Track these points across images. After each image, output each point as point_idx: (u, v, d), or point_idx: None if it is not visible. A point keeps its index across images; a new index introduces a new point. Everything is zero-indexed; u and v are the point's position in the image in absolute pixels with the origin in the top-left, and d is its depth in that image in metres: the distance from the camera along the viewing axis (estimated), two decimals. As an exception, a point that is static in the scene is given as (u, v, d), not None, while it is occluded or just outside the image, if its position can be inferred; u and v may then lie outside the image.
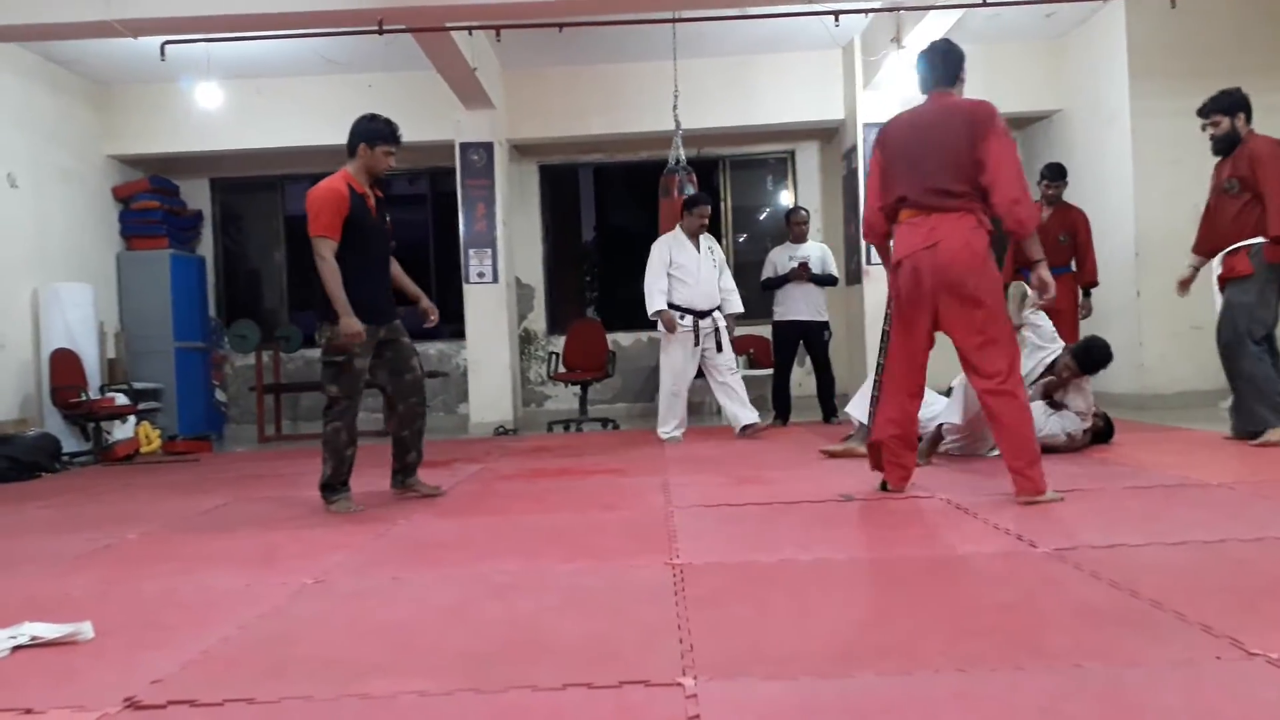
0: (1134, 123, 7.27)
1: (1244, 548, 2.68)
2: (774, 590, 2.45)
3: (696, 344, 6.24)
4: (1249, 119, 4.77)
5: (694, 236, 6.34)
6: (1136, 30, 7.23)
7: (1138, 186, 7.22)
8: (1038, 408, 4.40)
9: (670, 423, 6.30)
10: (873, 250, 7.92)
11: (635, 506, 3.81)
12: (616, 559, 2.88)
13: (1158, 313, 7.14)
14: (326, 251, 3.79)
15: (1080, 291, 6.49)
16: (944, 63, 3.54)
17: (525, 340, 9.28)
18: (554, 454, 5.87)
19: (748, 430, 6.25)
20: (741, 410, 6.30)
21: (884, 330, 3.67)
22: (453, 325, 9.03)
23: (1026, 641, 1.97)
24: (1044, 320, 4.80)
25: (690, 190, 6.86)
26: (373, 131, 3.98)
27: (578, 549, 3.03)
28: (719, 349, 6.31)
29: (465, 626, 2.23)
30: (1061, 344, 4.82)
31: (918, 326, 3.49)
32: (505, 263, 8.12)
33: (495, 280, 8.04)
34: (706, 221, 6.39)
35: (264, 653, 2.10)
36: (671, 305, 6.18)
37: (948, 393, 4.78)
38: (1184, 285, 5.07)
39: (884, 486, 3.70)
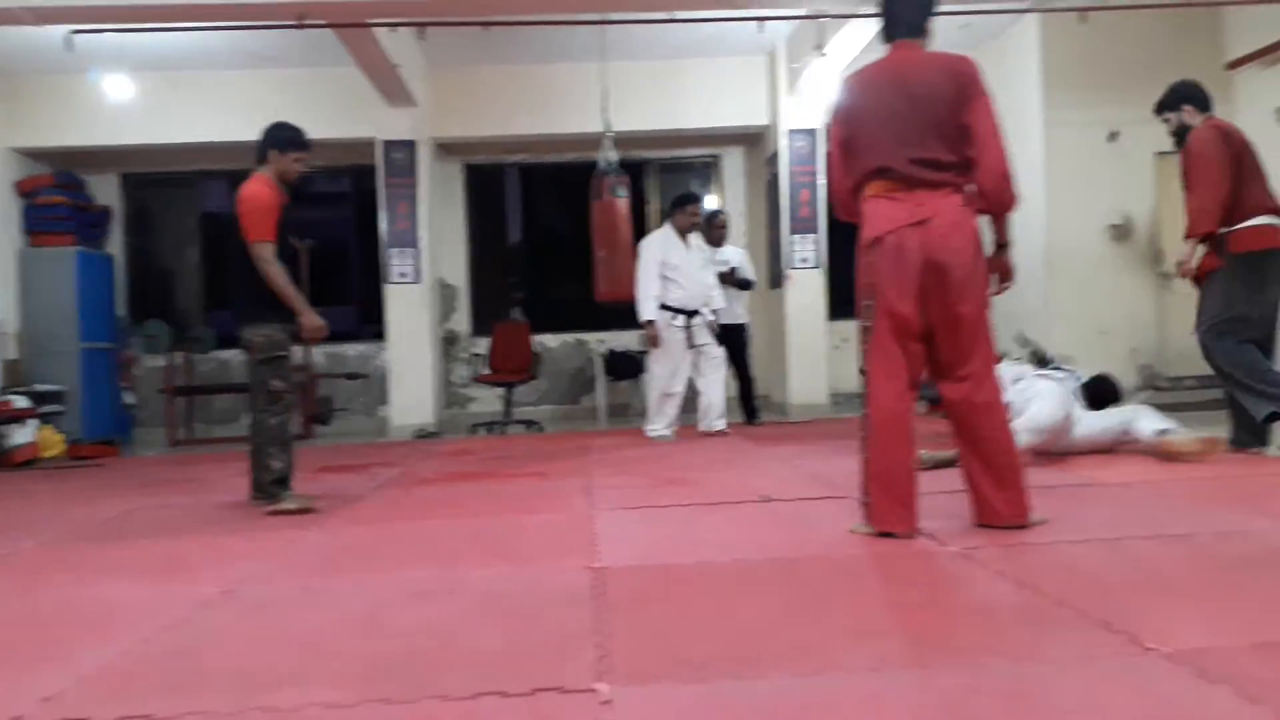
0: (1046, 134, 7.51)
1: (1141, 545, 2.79)
2: (693, 593, 2.46)
3: (690, 345, 6.32)
4: (1202, 107, 4.51)
5: (684, 235, 6.39)
6: (1050, 44, 7.46)
7: (1049, 196, 7.45)
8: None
9: (659, 422, 6.34)
10: (794, 254, 8.06)
11: (557, 510, 3.79)
12: (535, 563, 2.86)
13: (1066, 317, 7.40)
14: (270, 254, 3.91)
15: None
16: (911, 6, 3.06)
17: (448, 342, 9.16)
18: (476, 457, 5.81)
19: (714, 432, 6.38)
20: (717, 411, 6.44)
21: (865, 329, 3.02)
22: (374, 326, 8.88)
23: (934, 640, 2.01)
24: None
25: (623, 193, 6.87)
26: (283, 139, 4.07)
27: (496, 554, 3.00)
28: (703, 345, 6.40)
29: (376, 635, 2.19)
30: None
31: (905, 313, 2.93)
32: (428, 263, 8.01)
33: (418, 280, 7.92)
34: (699, 219, 6.46)
35: (165, 666, 2.03)
36: (665, 306, 6.24)
37: None
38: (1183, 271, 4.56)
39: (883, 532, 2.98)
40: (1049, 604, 2.20)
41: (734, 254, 7.23)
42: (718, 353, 6.47)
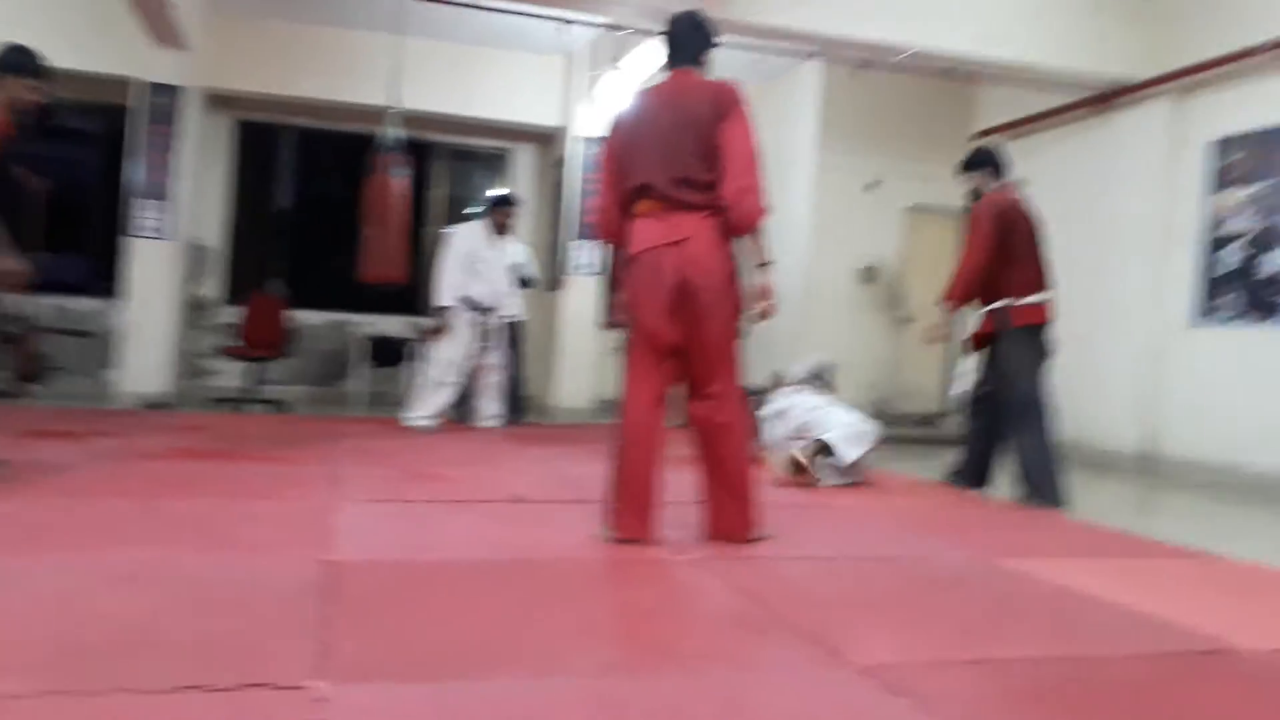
0: (817, 174, 8.04)
1: (852, 565, 3.04)
2: (429, 591, 2.42)
3: (486, 340, 6.30)
4: (999, 174, 4.63)
5: (499, 234, 6.39)
6: (828, 91, 8.00)
7: (815, 233, 7.99)
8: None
9: (424, 410, 6.18)
10: (575, 259, 8.14)
11: (296, 498, 3.60)
12: (262, 553, 2.70)
13: (816, 348, 7.93)
14: None
15: None
16: (692, 37, 3.18)
17: (195, 307, 8.48)
18: (213, 434, 5.41)
19: (486, 428, 6.38)
20: (490, 408, 6.44)
21: (623, 341, 3.11)
22: (110, 282, 8.09)
23: (661, 646, 2.10)
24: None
25: (401, 172, 6.68)
26: (13, 62, 3.63)
27: (220, 540, 2.81)
28: (490, 346, 6.37)
29: (72, 621, 1.99)
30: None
31: (659, 330, 3.00)
32: (182, 219, 7.39)
33: (167, 237, 7.28)
34: (510, 220, 6.46)
35: None
36: (464, 299, 6.17)
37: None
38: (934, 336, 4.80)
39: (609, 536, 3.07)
40: (767, 616, 2.35)
41: (519, 250, 7.20)
42: (500, 357, 6.49)
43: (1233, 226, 6.12)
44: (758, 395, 5.73)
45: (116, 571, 2.38)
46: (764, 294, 3.13)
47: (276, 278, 9.19)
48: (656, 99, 3.14)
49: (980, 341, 4.68)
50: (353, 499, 3.57)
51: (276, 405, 7.34)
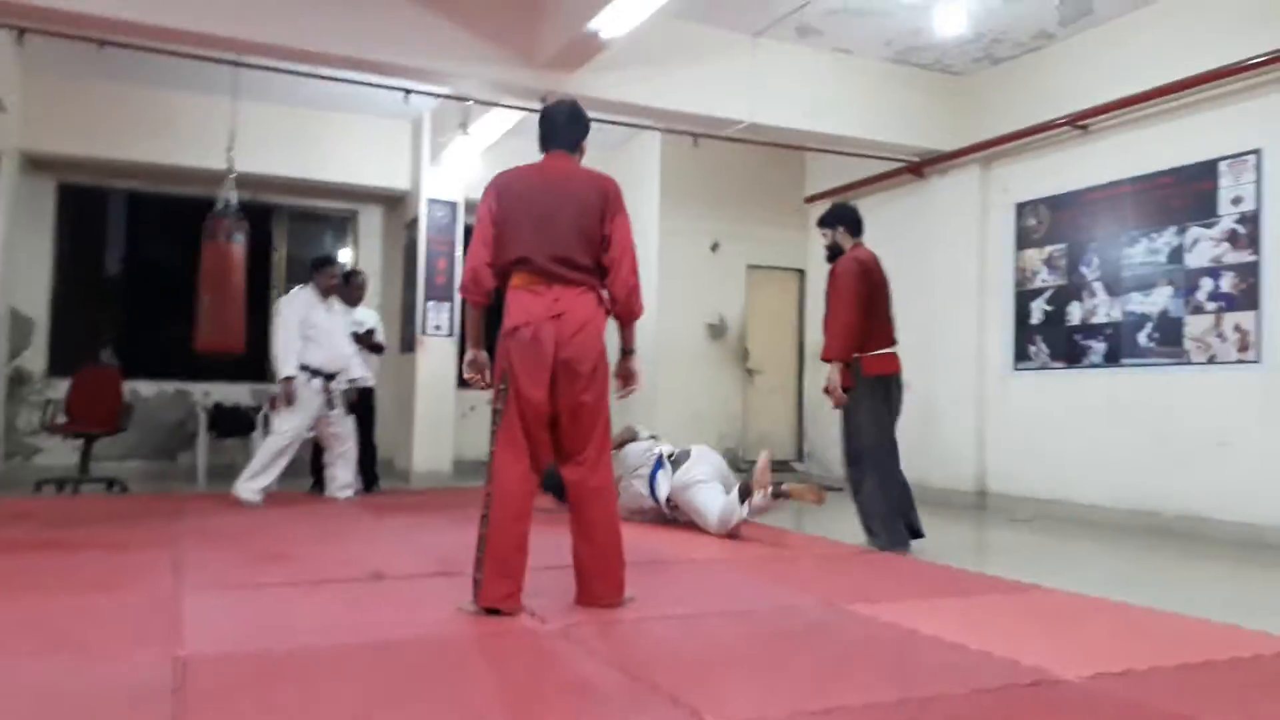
0: (660, 238, 8.34)
1: (711, 621, 3.15)
2: (283, 683, 2.36)
3: (331, 405, 6.16)
4: (854, 233, 4.84)
5: (326, 297, 6.25)
6: (668, 160, 8.35)
7: (659, 293, 8.24)
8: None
9: (262, 480, 5.92)
10: (428, 318, 8.09)
11: (137, 589, 3.43)
12: (107, 654, 2.57)
13: (668, 401, 8.18)
14: None
15: None
16: (570, 125, 3.36)
17: (16, 381, 7.93)
18: (40, 521, 5.06)
19: (340, 499, 6.25)
20: (344, 479, 6.33)
21: (495, 410, 3.17)
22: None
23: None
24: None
25: (239, 237, 6.52)
26: None
27: (58, 641, 2.66)
28: (331, 410, 6.20)
29: (-111, 748, 1.85)
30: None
31: (534, 399, 3.10)
32: (0, 288, 6.93)
33: (-17, 308, 6.82)
34: (336, 282, 6.37)
35: None
36: (304, 366, 5.99)
37: None
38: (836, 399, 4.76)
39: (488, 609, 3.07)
40: (631, 680, 2.42)
41: (369, 316, 7.12)
42: (348, 424, 6.36)
43: (1038, 282, 6.73)
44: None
45: (-61, 687, 2.22)
46: (631, 376, 3.40)
47: (107, 347, 8.70)
48: (536, 177, 3.28)
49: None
50: (199, 586, 3.43)
51: (110, 484, 6.92)
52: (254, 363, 8.02)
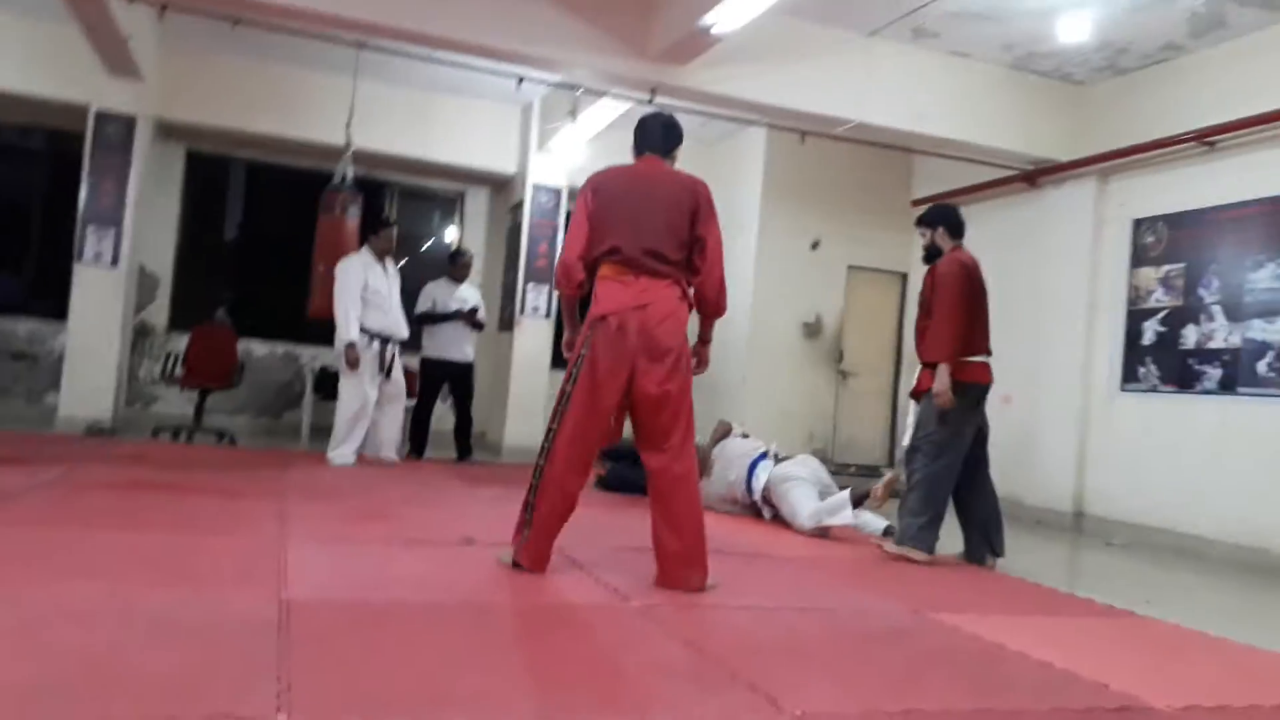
0: (760, 235, 8.31)
1: (793, 615, 3.16)
2: (381, 632, 2.48)
3: (384, 370, 6.30)
4: (954, 234, 4.69)
5: (381, 259, 6.37)
6: (773, 154, 8.30)
7: (757, 289, 8.22)
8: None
9: (347, 446, 6.17)
10: (527, 299, 8.25)
11: (245, 534, 3.62)
12: (217, 590, 2.74)
13: (758, 397, 8.15)
14: None
15: None
16: (666, 133, 3.54)
17: (141, 333, 8.39)
18: (157, 465, 5.37)
19: (383, 462, 6.36)
20: (391, 441, 6.42)
21: (564, 391, 3.29)
22: (48, 302, 7.98)
23: (605, 692, 2.19)
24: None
25: (354, 212, 6.75)
26: None
27: (173, 575, 2.84)
28: (389, 375, 6.36)
29: (28, 655, 2.01)
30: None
31: (611, 387, 3.23)
32: (130, 246, 7.34)
33: (115, 264, 7.22)
34: (393, 245, 6.46)
35: None
36: (363, 330, 6.16)
37: None
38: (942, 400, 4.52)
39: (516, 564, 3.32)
40: (709, 664, 2.46)
41: (472, 294, 7.30)
42: (400, 385, 6.49)
43: (1152, 301, 6.49)
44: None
45: (72, 606, 2.40)
46: (702, 362, 3.56)
47: (223, 307, 9.12)
48: (631, 176, 3.47)
49: (919, 394, 4.75)
50: (303, 536, 3.60)
51: (221, 436, 7.27)
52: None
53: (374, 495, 4.96)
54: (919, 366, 4.74)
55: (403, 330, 6.43)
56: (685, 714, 2.08)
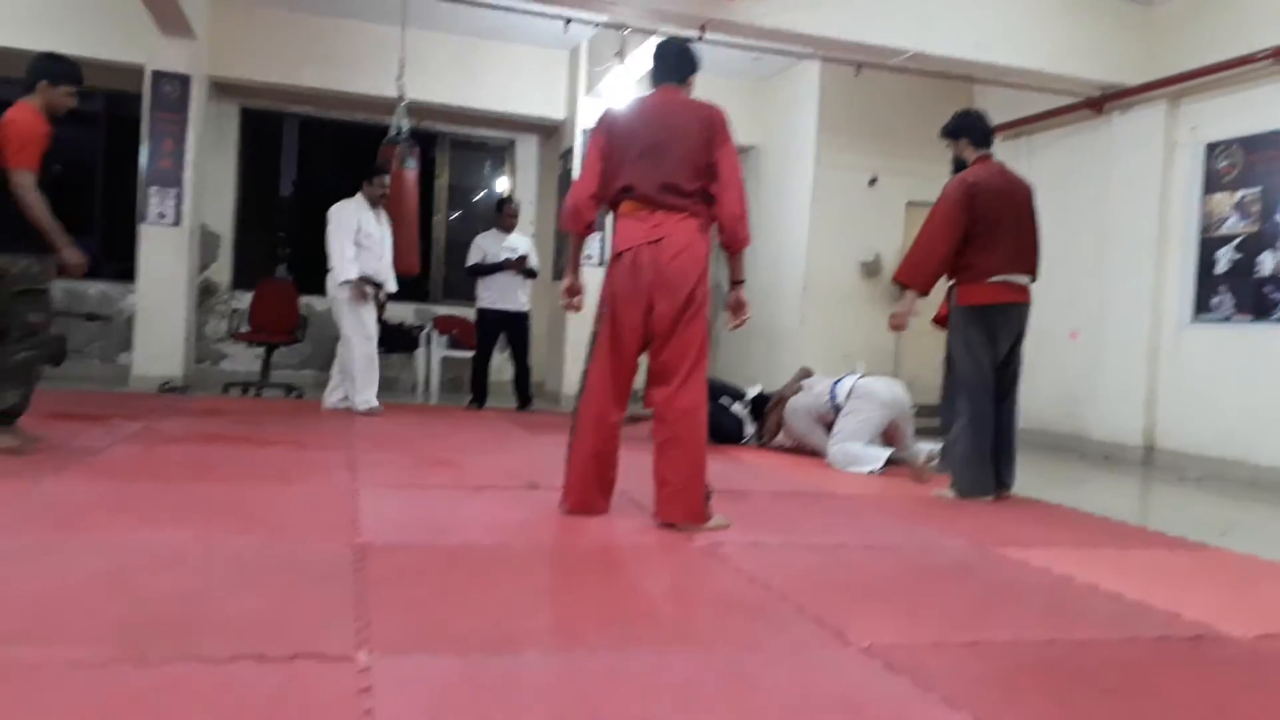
0: (816, 171, 8.15)
1: (857, 552, 3.17)
2: (453, 572, 2.54)
3: (380, 314, 6.36)
4: (978, 144, 4.46)
5: (375, 206, 6.38)
6: (828, 89, 8.10)
7: (812, 228, 8.10)
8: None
9: (370, 390, 6.23)
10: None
11: (317, 482, 3.73)
12: (294, 535, 2.83)
13: (815, 339, 8.07)
14: (31, 183, 3.79)
15: None
16: (679, 61, 3.44)
17: (206, 292, 8.59)
18: (229, 418, 5.53)
19: (362, 413, 6.22)
20: (366, 392, 6.27)
21: (594, 331, 3.33)
22: (117, 264, 8.20)
23: (673, 626, 2.23)
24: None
25: (412, 164, 6.78)
26: (56, 71, 3.97)
27: (252, 523, 2.94)
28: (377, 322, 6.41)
29: (123, 597, 2.11)
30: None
31: (630, 325, 3.24)
32: (191, 206, 7.49)
33: (178, 223, 7.38)
34: (387, 192, 6.43)
35: None
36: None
37: None
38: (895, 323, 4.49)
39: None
40: (774, 599, 2.48)
41: (522, 242, 7.33)
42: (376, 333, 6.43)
43: (1225, 228, 6.25)
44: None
45: (158, 551, 2.51)
46: (740, 307, 3.44)
47: (283, 263, 9.31)
48: (645, 110, 3.37)
49: (942, 321, 4.61)
50: (372, 484, 3.70)
51: (289, 390, 7.46)
52: (418, 284, 8.40)
53: (439, 443, 5.05)
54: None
55: (391, 279, 6.45)
56: (753, 646, 2.10)
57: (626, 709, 1.70)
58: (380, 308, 6.43)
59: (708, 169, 3.24)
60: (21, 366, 3.86)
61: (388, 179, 6.43)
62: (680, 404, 3.21)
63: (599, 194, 3.32)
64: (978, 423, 4.30)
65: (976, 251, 4.29)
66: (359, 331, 6.21)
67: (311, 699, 1.63)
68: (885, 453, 5.03)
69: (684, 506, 3.21)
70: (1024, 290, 4.37)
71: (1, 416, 3.83)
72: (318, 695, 1.64)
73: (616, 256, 3.27)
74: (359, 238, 6.19)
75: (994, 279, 4.29)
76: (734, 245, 3.30)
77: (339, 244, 6.14)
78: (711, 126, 3.27)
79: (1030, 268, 4.41)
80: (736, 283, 3.43)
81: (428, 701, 1.66)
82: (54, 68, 3.97)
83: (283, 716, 1.55)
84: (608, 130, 3.34)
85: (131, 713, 1.53)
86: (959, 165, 4.56)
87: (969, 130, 4.50)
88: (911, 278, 4.36)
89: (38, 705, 1.53)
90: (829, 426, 5.43)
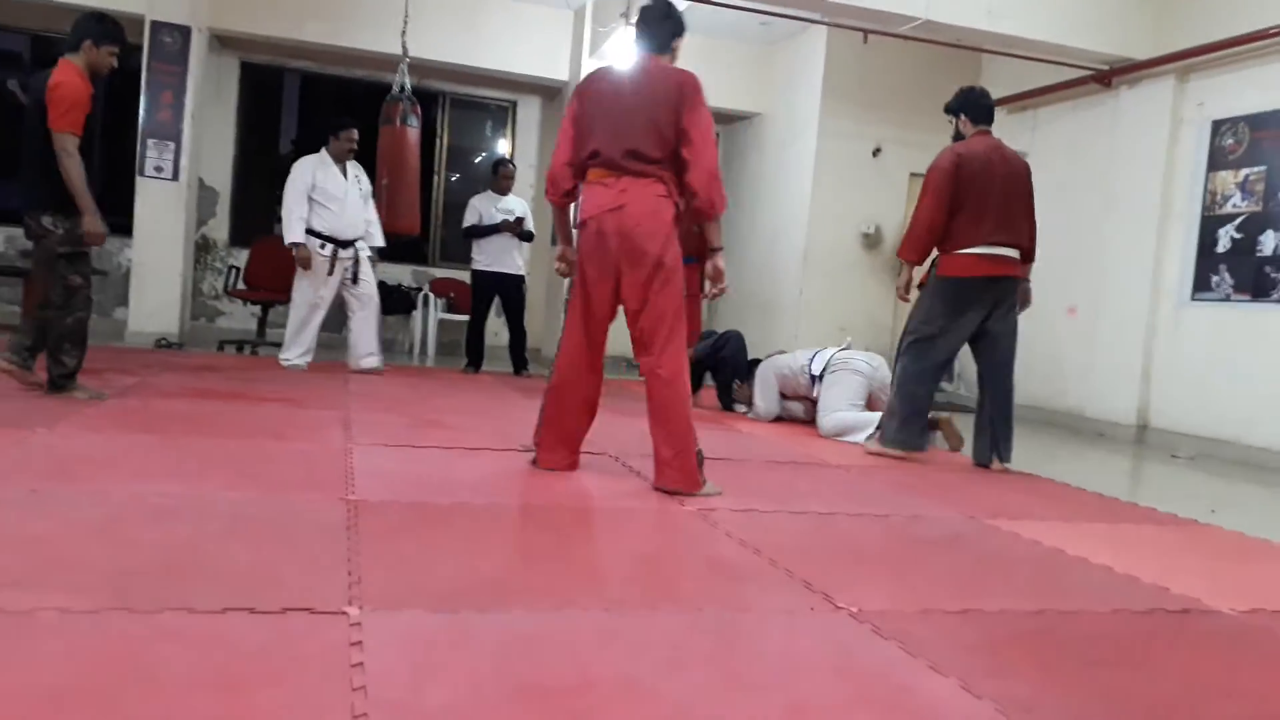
0: (819, 141, 8.09)
1: (848, 520, 3.18)
2: (445, 530, 2.55)
3: (331, 273, 6.15)
4: (975, 120, 4.55)
5: (340, 161, 6.26)
6: (834, 57, 8.02)
7: (814, 198, 8.06)
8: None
9: (294, 350, 6.19)
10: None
11: (311, 440, 3.73)
12: (287, 491, 2.83)
13: (815, 312, 8.06)
14: (73, 147, 3.88)
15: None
16: (659, 27, 3.38)
17: (202, 248, 8.55)
18: (224, 375, 5.53)
19: (365, 371, 6.25)
20: (366, 348, 6.29)
21: (565, 300, 3.38)
22: (114, 218, 8.13)
23: (663, 587, 2.24)
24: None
25: (414, 122, 6.72)
26: (99, 31, 3.99)
27: (245, 478, 2.94)
28: (355, 280, 6.24)
29: (116, 546, 2.12)
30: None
31: (599, 294, 3.27)
32: (189, 160, 7.43)
33: (175, 178, 7.33)
34: (354, 147, 6.31)
35: None
36: (311, 232, 6.08)
37: None
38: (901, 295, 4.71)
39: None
40: (765, 564, 2.49)
41: (518, 204, 7.28)
42: (371, 289, 6.36)
43: (1228, 207, 6.22)
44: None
45: (152, 503, 2.51)
46: (717, 275, 3.39)
47: (279, 221, 9.22)
48: (618, 77, 3.36)
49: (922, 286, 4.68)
50: (366, 442, 3.70)
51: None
52: (416, 245, 8.36)
53: (433, 405, 5.05)
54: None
55: (373, 236, 6.35)
56: (742, 608, 2.11)
57: (615, 667, 1.71)
58: (356, 264, 6.23)
59: (677, 135, 3.19)
60: (77, 327, 4.06)
61: (355, 133, 6.30)
62: (661, 373, 3.23)
63: (573, 161, 3.32)
64: (910, 378, 4.47)
65: (959, 223, 4.37)
66: (301, 291, 6.16)
67: (301, 651, 1.63)
68: (875, 416, 5.02)
69: (677, 475, 3.23)
70: (1009, 264, 4.42)
71: (70, 376, 4.09)
72: (308, 647, 1.65)
73: (583, 224, 3.27)
74: (316, 194, 6.08)
75: (972, 250, 4.36)
76: (707, 211, 3.25)
77: (288, 204, 6.07)
78: (681, 91, 3.20)
79: (1019, 242, 4.44)
80: (713, 250, 3.38)
81: (417, 656, 1.66)
82: (99, 28, 3.99)
83: (273, 667, 1.55)
84: (580, 96, 3.34)
85: (121, 659, 1.53)
86: (958, 140, 4.59)
87: (968, 106, 4.57)
88: (906, 252, 4.51)
89: (27, 650, 1.53)
90: (795, 398, 5.51)
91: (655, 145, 3.18)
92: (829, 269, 8.19)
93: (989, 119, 4.58)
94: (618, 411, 5.26)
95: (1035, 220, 4.54)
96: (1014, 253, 4.43)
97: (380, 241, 6.45)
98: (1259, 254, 5.99)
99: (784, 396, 5.62)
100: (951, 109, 4.62)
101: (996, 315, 4.45)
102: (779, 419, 5.71)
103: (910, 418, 4.49)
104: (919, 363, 4.47)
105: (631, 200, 3.17)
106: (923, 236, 4.42)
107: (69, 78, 3.86)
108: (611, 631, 1.90)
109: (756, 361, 6.08)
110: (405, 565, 2.19)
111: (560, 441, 3.43)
